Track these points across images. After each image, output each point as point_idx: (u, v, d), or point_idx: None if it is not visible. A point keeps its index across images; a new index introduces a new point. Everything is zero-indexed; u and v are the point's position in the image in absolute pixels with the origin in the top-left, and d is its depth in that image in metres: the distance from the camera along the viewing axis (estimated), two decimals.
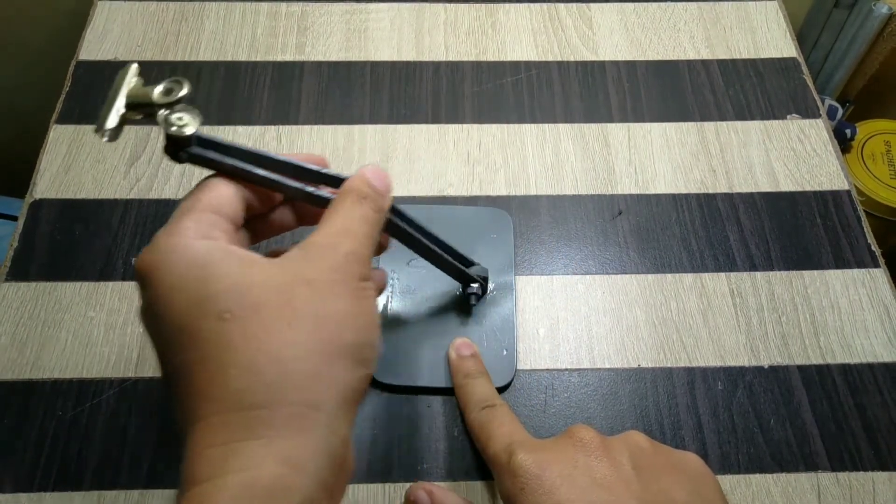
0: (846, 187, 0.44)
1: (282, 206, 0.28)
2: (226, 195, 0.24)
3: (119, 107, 0.24)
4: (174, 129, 0.24)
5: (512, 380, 0.36)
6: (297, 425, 0.20)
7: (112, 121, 0.24)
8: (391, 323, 0.37)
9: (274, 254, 0.24)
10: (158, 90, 0.24)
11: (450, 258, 0.34)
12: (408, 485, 0.33)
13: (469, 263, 0.36)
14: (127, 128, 0.45)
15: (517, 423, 0.30)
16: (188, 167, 0.44)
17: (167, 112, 0.24)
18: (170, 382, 0.22)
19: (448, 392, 0.35)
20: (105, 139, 0.24)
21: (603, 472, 0.26)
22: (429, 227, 0.33)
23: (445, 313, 0.38)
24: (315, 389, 0.20)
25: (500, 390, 0.36)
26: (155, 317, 0.22)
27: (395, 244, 0.32)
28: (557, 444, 0.27)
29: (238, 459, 0.19)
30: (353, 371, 0.22)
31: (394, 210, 0.30)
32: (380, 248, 0.30)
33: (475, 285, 0.36)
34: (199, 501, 0.19)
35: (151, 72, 0.48)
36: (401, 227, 0.31)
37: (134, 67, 0.25)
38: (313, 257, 0.23)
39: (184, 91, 0.24)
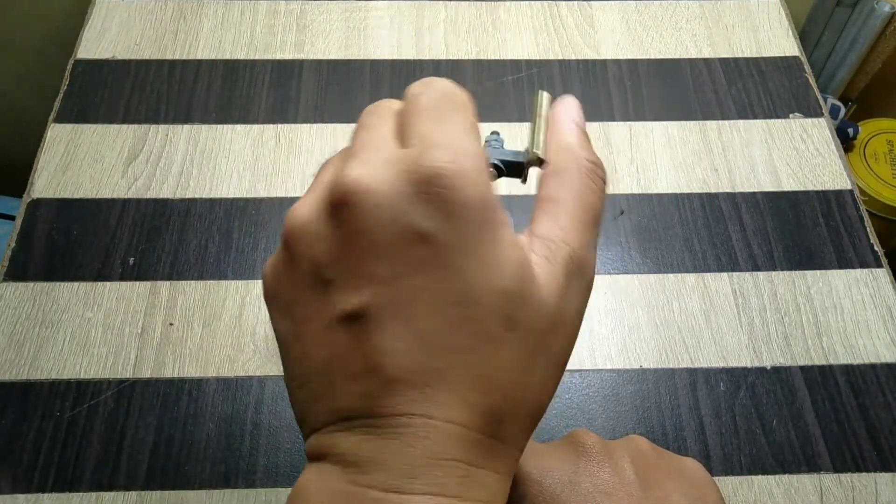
0: (849, 187, 0.44)
1: None
2: None
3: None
4: None
5: None
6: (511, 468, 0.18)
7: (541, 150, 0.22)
8: None
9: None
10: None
11: None
12: None
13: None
14: (124, 127, 0.45)
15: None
16: (186, 166, 0.43)
17: None
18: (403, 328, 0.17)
19: None
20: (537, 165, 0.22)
21: (605, 478, 0.25)
22: None
23: None
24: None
25: None
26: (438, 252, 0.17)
27: None
28: (558, 449, 0.27)
29: (478, 491, 0.17)
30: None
31: None
32: None
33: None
34: None
35: (149, 70, 0.48)
36: None
37: (547, 97, 0.23)
38: (569, 282, 0.19)
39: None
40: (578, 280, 0.19)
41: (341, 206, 0.17)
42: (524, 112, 0.47)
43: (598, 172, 0.22)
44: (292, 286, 0.19)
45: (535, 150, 0.22)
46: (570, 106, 0.23)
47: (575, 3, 0.52)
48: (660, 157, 0.45)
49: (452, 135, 0.18)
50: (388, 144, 0.19)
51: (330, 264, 0.18)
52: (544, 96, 0.23)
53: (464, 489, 0.17)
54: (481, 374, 0.18)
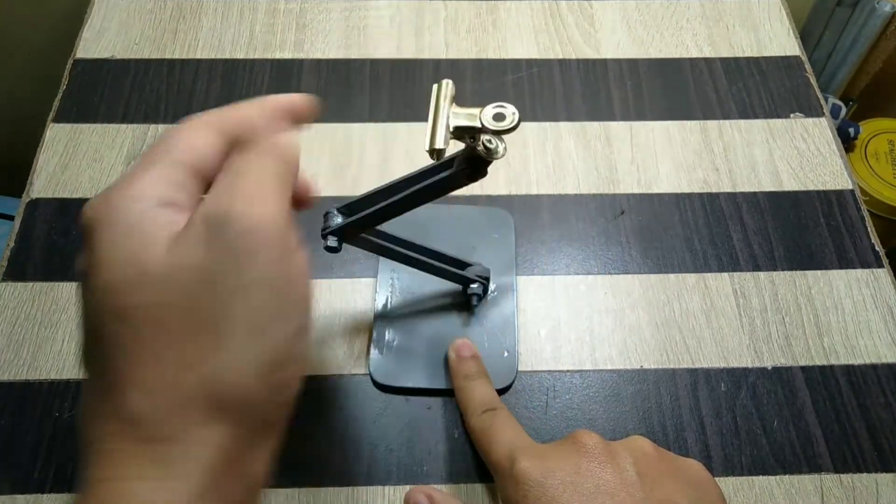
0: (850, 187, 0.44)
1: None
2: (207, 148, 0.21)
3: (446, 125, 0.24)
4: (486, 149, 0.24)
5: (513, 382, 0.36)
6: (185, 469, 0.18)
7: (441, 141, 0.24)
8: (391, 323, 0.37)
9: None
10: (488, 116, 0.24)
11: (442, 264, 0.34)
12: (408, 487, 0.33)
13: (465, 265, 0.36)
14: (124, 127, 0.45)
15: (518, 427, 0.30)
16: None
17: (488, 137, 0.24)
18: (84, 367, 0.19)
19: (449, 393, 0.35)
20: (434, 159, 0.24)
21: (606, 478, 0.25)
22: (425, 230, 0.33)
23: (446, 314, 0.37)
24: (204, 424, 0.18)
25: (501, 392, 0.36)
26: (85, 283, 0.19)
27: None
28: (560, 449, 0.27)
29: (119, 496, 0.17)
30: (285, 370, 0.19)
31: (375, 231, 0.31)
32: (298, 204, 0.26)
33: (475, 285, 0.36)
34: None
35: (149, 70, 0.48)
36: (381, 245, 0.32)
37: (450, 85, 0.25)
38: (239, 245, 0.18)
39: (516, 121, 0.23)
40: (218, 234, 0.18)
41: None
42: (525, 112, 0.47)
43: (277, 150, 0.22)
44: None
45: (435, 146, 0.24)
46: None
47: (575, 2, 0.52)
48: (660, 157, 0.45)
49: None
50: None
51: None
52: (444, 87, 0.25)
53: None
54: (116, 380, 0.18)
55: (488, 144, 0.24)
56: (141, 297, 0.18)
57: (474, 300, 0.36)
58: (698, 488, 0.27)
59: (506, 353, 0.36)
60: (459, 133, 0.24)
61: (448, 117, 0.24)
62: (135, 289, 0.18)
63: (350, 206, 0.30)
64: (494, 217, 0.41)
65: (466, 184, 0.26)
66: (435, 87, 0.25)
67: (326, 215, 0.30)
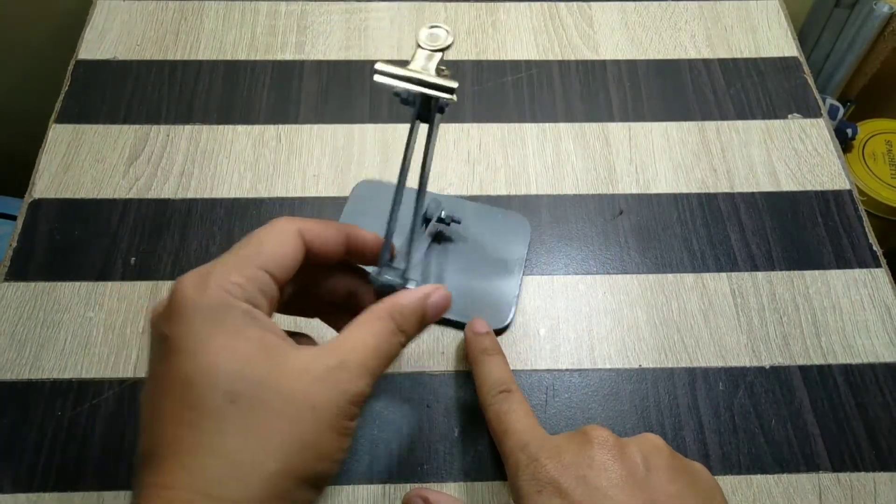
0: (847, 187, 0.44)
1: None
2: (290, 252, 0.25)
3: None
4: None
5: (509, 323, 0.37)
6: None
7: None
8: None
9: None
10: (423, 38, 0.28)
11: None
12: (408, 486, 0.33)
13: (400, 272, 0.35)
14: (126, 127, 0.45)
15: (532, 415, 0.30)
16: (187, 166, 0.44)
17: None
18: (152, 411, 0.22)
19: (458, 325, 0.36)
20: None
21: (619, 474, 0.26)
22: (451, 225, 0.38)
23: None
24: (271, 502, 0.21)
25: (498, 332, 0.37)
26: (170, 349, 0.22)
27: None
28: (573, 443, 0.27)
29: None
30: (307, 493, 0.22)
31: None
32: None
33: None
34: None
35: (150, 71, 0.48)
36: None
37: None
38: (331, 378, 0.23)
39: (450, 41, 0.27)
40: (342, 380, 0.23)
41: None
42: (524, 113, 0.47)
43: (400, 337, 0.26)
44: None
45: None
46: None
47: (574, 3, 0.53)
48: (659, 158, 0.45)
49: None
50: None
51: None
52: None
53: None
54: (204, 442, 0.21)
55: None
56: (261, 393, 0.21)
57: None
58: (706, 491, 0.27)
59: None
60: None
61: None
62: (255, 386, 0.21)
63: None
64: (513, 221, 0.41)
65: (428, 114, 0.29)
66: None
67: None
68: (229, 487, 0.20)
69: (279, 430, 0.21)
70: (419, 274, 0.37)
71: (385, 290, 0.31)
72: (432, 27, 0.27)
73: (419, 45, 0.27)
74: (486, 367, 0.33)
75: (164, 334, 0.22)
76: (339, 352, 0.23)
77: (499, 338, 0.38)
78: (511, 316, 0.38)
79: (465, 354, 0.35)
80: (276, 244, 0.24)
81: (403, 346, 0.25)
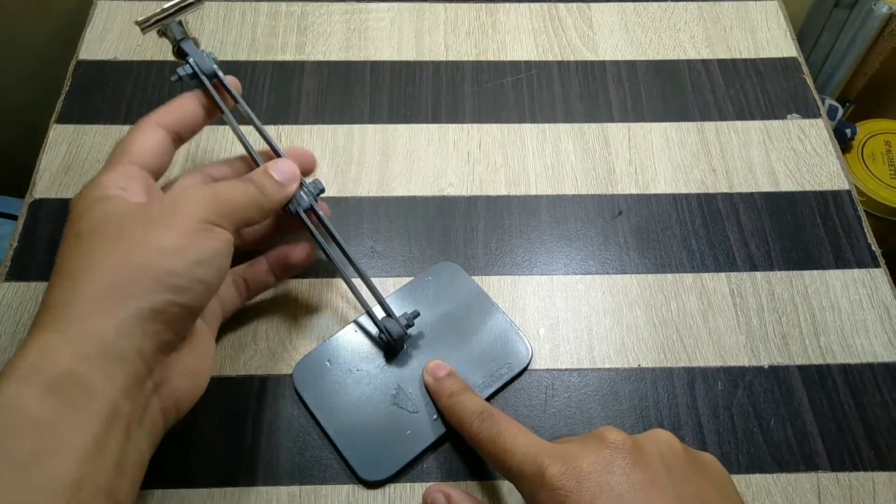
0: (846, 187, 0.44)
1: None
2: (151, 147, 0.31)
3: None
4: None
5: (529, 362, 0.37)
6: (88, 327, 0.24)
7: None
8: (358, 413, 0.35)
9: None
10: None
11: (364, 295, 0.35)
12: (408, 486, 0.33)
13: (389, 314, 0.35)
14: (126, 128, 0.45)
15: (525, 429, 0.29)
16: (188, 167, 0.44)
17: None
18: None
19: (442, 442, 0.34)
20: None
21: (639, 477, 0.25)
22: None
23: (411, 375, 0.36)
24: (112, 300, 0.25)
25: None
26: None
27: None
28: (587, 448, 0.26)
29: (34, 346, 0.24)
30: (157, 293, 0.26)
31: (320, 220, 0.34)
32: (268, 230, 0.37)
33: (382, 336, 0.35)
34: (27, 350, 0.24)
35: (151, 71, 0.48)
36: (317, 239, 0.34)
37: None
38: (170, 199, 0.29)
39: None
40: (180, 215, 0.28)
41: None
42: (524, 114, 0.47)
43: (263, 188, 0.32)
44: None
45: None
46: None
47: (574, 4, 0.53)
48: (658, 158, 0.45)
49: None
50: None
51: None
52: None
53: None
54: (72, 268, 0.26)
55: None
56: (97, 224, 0.27)
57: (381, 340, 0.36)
58: (720, 483, 0.27)
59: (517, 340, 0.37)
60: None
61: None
62: (93, 221, 0.28)
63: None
64: (443, 271, 0.40)
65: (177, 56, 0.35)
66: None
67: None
68: (65, 293, 0.25)
69: (107, 244, 0.26)
70: (419, 383, 0.35)
71: (390, 342, 0.35)
72: None
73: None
74: (458, 405, 0.32)
75: (71, 232, 0.28)
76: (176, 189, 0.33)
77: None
78: (528, 345, 0.37)
79: (433, 400, 0.34)
80: (139, 142, 0.31)
81: (267, 196, 0.32)
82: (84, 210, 0.28)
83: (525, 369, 0.37)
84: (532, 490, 0.26)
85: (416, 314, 0.36)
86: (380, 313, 0.36)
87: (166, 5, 0.34)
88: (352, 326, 0.37)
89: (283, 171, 0.32)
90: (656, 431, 0.28)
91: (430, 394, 0.35)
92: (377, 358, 0.36)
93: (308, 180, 0.34)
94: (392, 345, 0.35)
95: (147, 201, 0.29)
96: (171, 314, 0.26)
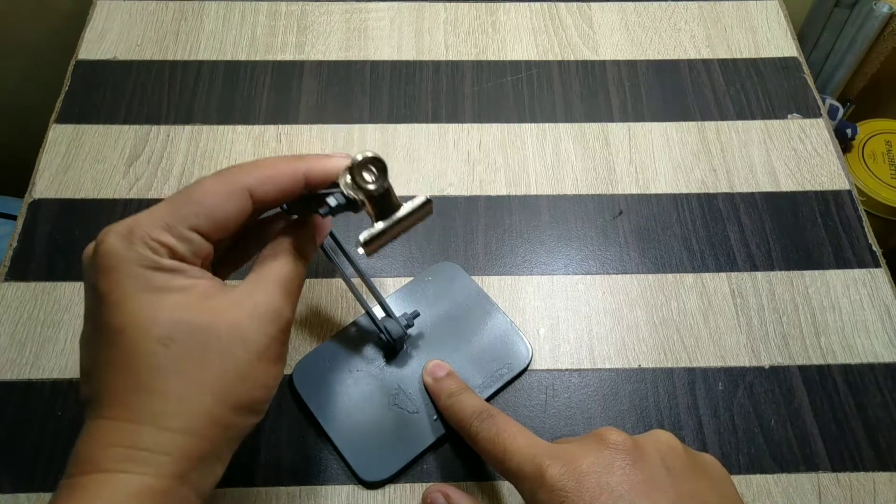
0: (847, 187, 0.44)
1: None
2: (232, 214, 0.25)
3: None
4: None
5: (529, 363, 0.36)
6: (192, 453, 0.23)
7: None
8: (358, 414, 0.35)
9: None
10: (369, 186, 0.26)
11: (364, 295, 0.35)
12: (408, 486, 0.33)
13: (389, 314, 0.35)
14: (126, 128, 0.45)
15: (525, 430, 0.29)
16: (188, 167, 0.44)
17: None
18: (90, 356, 0.24)
19: (442, 442, 0.34)
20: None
21: (639, 477, 0.25)
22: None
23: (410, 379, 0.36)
24: (213, 430, 0.23)
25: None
26: (101, 301, 0.24)
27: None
28: (587, 449, 0.26)
29: (142, 466, 0.22)
30: (246, 419, 0.25)
31: (332, 235, 0.33)
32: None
33: (382, 336, 0.35)
34: (104, 483, 0.22)
35: (150, 71, 0.48)
36: (329, 254, 0.33)
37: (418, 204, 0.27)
38: (257, 312, 0.25)
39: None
40: (266, 312, 0.25)
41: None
42: (524, 113, 0.47)
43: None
44: None
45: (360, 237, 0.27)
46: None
47: (574, 4, 0.53)
48: (658, 158, 0.45)
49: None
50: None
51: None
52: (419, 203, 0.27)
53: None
54: (143, 383, 0.23)
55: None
56: (192, 337, 0.23)
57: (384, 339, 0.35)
58: (720, 484, 0.27)
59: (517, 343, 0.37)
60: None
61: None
62: (187, 332, 0.23)
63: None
64: (443, 271, 0.39)
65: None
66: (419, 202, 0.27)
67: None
68: (170, 419, 0.22)
69: (212, 366, 0.23)
70: (419, 383, 0.35)
71: (390, 342, 0.35)
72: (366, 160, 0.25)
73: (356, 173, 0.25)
74: (458, 405, 0.32)
75: (94, 286, 0.24)
76: (261, 287, 0.26)
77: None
78: (528, 345, 0.37)
79: (432, 401, 0.34)
80: (218, 205, 0.25)
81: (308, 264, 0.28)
82: (151, 300, 0.23)
83: (525, 369, 0.37)
84: (532, 490, 0.26)
85: (416, 314, 0.36)
86: (380, 313, 0.36)
87: (398, 220, 0.26)
88: (351, 327, 0.37)
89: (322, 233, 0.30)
90: (656, 432, 0.28)
91: (430, 394, 0.35)
92: (377, 358, 0.36)
93: None
94: (392, 345, 0.35)
95: (215, 316, 0.24)
96: (247, 432, 0.25)
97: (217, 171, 0.26)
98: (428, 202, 0.26)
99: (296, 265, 0.27)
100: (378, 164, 0.24)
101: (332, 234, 0.35)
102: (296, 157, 0.27)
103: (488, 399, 0.35)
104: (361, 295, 0.35)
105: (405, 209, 0.25)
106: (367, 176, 0.24)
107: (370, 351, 0.36)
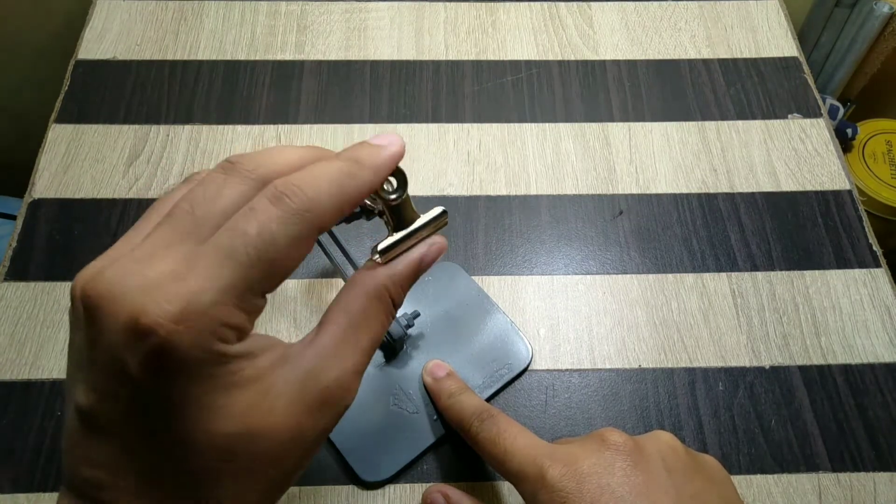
0: (847, 187, 0.44)
1: None
2: (300, 260, 0.20)
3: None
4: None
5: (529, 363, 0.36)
6: None
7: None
8: (358, 414, 0.34)
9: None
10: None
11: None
12: (408, 487, 0.33)
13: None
14: (125, 127, 0.45)
15: (526, 430, 0.29)
16: (187, 166, 0.44)
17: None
18: (109, 447, 0.19)
19: (442, 443, 0.34)
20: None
21: (640, 479, 0.25)
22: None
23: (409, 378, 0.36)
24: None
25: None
26: (150, 400, 0.18)
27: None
28: (588, 450, 0.26)
29: None
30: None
31: (331, 234, 0.32)
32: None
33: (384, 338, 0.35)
34: None
35: (150, 71, 0.48)
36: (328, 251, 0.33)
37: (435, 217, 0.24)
38: (319, 405, 0.21)
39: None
40: (328, 409, 0.21)
41: (87, 308, 0.18)
42: (524, 113, 0.47)
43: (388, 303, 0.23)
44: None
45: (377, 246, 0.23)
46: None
47: (574, 4, 0.53)
48: (659, 158, 0.45)
49: (180, 283, 0.18)
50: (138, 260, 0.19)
51: (84, 350, 0.19)
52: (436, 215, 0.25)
53: None
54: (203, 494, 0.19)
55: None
56: (252, 447, 0.19)
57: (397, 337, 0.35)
58: (720, 485, 0.26)
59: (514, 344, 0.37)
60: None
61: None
62: (247, 443, 0.19)
63: None
64: (442, 271, 0.39)
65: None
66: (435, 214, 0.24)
67: None
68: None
69: (266, 474, 0.20)
70: (419, 383, 0.36)
71: (390, 342, 0.35)
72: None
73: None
74: (458, 405, 0.32)
75: (135, 376, 0.18)
76: (330, 367, 0.21)
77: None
78: (528, 345, 0.37)
79: (432, 401, 0.34)
80: (297, 258, 0.20)
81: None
82: (217, 405, 0.18)
83: (525, 370, 0.37)
84: (533, 492, 0.26)
85: (416, 314, 0.36)
86: None
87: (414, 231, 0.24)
88: None
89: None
90: (657, 433, 0.27)
91: (430, 394, 0.35)
92: (377, 358, 0.36)
93: None
94: (392, 345, 0.35)
95: (280, 418, 0.20)
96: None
97: (279, 198, 0.19)
98: (444, 213, 0.25)
99: (384, 328, 0.23)
100: (399, 176, 0.24)
101: (332, 234, 0.35)
102: (358, 162, 0.21)
103: (488, 399, 0.35)
104: None
105: (422, 220, 0.25)
106: (387, 186, 0.24)
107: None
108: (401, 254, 0.24)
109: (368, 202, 0.25)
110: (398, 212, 0.24)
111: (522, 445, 0.28)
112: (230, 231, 0.18)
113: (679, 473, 0.26)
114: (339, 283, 0.39)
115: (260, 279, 0.19)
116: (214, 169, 0.20)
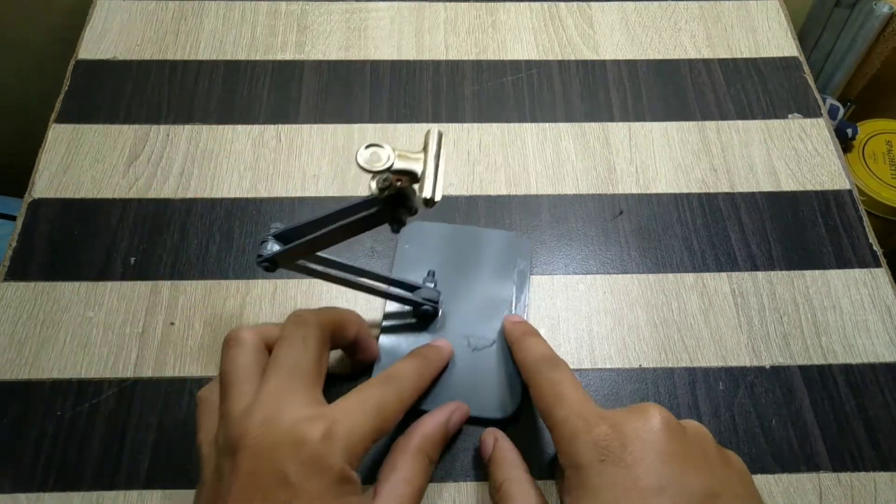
0: (847, 187, 0.44)
1: None
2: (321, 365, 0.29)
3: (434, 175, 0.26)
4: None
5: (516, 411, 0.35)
6: None
7: (439, 193, 0.26)
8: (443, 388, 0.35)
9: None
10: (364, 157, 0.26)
11: (387, 287, 0.35)
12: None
13: (414, 287, 0.36)
14: (126, 127, 0.45)
15: (583, 389, 0.30)
16: (187, 166, 0.44)
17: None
18: None
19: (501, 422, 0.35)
20: (429, 207, 0.26)
21: (681, 450, 0.26)
22: (441, 250, 0.38)
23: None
24: None
25: (503, 423, 0.34)
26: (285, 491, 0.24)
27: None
28: (635, 417, 0.27)
29: None
30: None
31: (315, 257, 0.32)
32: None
33: (426, 307, 0.36)
34: None
35: (150, 71, 0.48)
36: (320, 272, 0.32)
37: (436, 135, 0.26)
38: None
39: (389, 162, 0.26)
40: None
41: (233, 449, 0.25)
42: (524, 113, 0.47)
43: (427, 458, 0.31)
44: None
45: (423, 196, 0.25)
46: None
47: (574, 3, 0.53)
48: (659, 158, 0.45)
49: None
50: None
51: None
52: (434, 134, 0.26)
53: None
54: None
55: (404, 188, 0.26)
56: None
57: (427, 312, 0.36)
58: (744, 480, 0.28)
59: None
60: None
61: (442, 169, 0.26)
62: None
63: (286, 235, 0.30)
64: (511, 243, 0.40)
65: (390, 224, 0.28)
66: (434, 135, 0.26)
67: (262, 243, 0.30)
68: None
69: None
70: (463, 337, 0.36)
71: (433, 307, 0.36)
72: (370, 146, 0.26)
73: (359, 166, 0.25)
74: (527, 344, 0.33)
75: (287, 476, 0.24)
76: None
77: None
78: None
79: (506, 342, 0.36)
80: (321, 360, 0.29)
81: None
82: (333, 498, 0.25)
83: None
84: (571, 439, 0.27)
85: (432, 272, 0.37)
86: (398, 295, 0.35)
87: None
88: (385, 319, 0.37)
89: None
90: (691, 421, 0.28)
91: (506, 335, 0.36)
92: (421, 332, 0.37)
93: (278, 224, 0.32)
94: (435, 311, 0.36)
95: None
96: None
97: (388, 379, 0.29)
98: (434, 132, 0.26)
99: (424, 473, 0.30)
100: (383, 167, 0.25)
101: (323, 258, 0.34)
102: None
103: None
104: (377, 286, 0.35)
105: (429, 152, 0.26)
106: (389, 176, 0.25)
107: (413, 330, 0.37)
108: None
109: (381, 188, 0.26)
110: (412, 175, 0.26)
111: (576, 399, 0.28)
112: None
113: (712, 458, 0.27)
114: (339, 287, 0.39)
115: (380, 431, 0.28)
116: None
